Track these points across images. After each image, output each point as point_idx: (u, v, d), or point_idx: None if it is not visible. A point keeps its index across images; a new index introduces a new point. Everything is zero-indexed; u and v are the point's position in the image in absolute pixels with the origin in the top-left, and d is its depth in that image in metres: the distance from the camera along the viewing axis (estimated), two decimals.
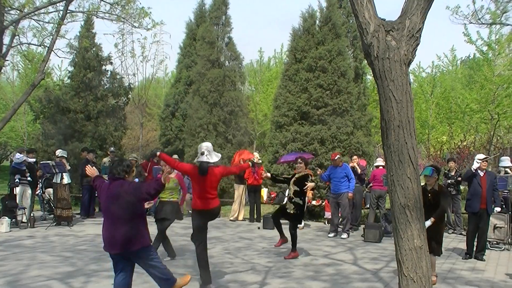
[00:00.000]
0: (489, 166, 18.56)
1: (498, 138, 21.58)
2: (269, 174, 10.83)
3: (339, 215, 13.81)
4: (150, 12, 17.35)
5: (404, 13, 4.96)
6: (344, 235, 13.61)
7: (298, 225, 12.58)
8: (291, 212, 10.71)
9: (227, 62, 21.55)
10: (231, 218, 16.21)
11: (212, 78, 20.29)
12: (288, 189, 11.32)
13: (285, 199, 12.86)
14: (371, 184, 14.94)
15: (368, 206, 15.50)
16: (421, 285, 4.94)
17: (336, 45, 17.53)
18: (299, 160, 11.02)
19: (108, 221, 6.18)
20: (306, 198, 11.21)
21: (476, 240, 11.19)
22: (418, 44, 4.98)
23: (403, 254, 4.94)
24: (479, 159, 11.30)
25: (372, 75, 5.31)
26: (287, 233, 10.79)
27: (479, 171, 11.18)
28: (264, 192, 17.27)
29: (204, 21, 22.94)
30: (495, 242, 12.43)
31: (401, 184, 4.88)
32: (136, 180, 16.21)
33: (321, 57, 17.24)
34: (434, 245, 8.54)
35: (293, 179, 10.85)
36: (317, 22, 18.19)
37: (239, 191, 16.25)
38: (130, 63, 31.12)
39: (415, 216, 4.89)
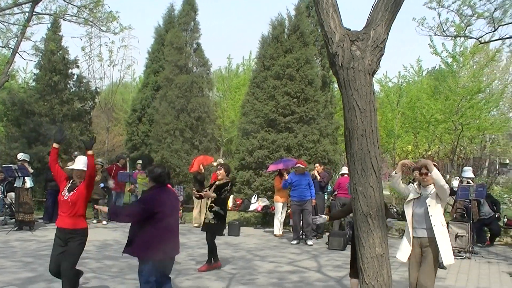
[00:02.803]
0: (452, 175, 18.85)
1: (461, 148, 21.89)
2: (214, 194, 10.20)
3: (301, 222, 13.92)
4: (118, 16, 17.28)
5: (369, 23, 5.02)
6: (310, 242, 13.68)
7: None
8: (210, 222, 10.18)
9: (195, 68, 21.49)
10: (195, 225, 16.11)
11: (179, 83, 20.22)
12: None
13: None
14: (336, 192, 15.05)
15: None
16: None
17: (304, 53, 17.64)
18: (219, 166, 10.61)
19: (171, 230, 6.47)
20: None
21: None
22: (382, 55, 5.04)
23: (364, 262, 4.98)
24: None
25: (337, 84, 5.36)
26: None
27: None
28: (229, 198, 17.22)
29: (173, 27, 22.89)
30: (456, 251, 12.59)
31: (364, 193, 4.93)
32: (102, 185, 16.09)
33: (289, 65, 17.34)
34: None
35: (213, 187, 10.38)
36: (286, 30, 18.30)
37: None
38: (97, 67, 30.83)
39: (377, 225, 4.94)
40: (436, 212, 6.85)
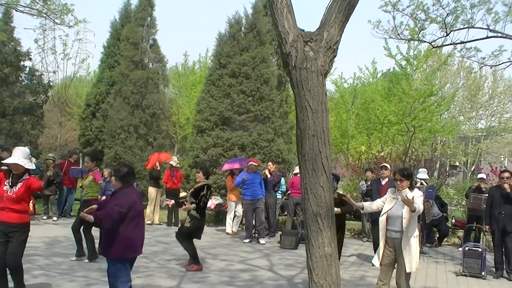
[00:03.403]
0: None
1: (413, 150, 22.18)
2: (193, 206, 10.04)
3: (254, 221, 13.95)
4: (73, 9, 16.91)
5: (323, 25, 5.05)
6: (263, 240, 13.70)
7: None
8: (187, 225, 10.15)
9: (151, 64, 21.33)
10: (147, 222, 15.93)
11: (135, 79, 20.03)
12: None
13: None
14: (289, 191, 15.10)
15: (286, 213, 15.66)
16: None
17: (260, 52, 17.69)
18: (198, 169, 10.60)
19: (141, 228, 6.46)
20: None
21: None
22: (335, 56, 5.09)
23: (314, 261, 5.02)
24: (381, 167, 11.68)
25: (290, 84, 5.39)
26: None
27: (381, 179, 11.51)
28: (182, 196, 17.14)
29: (129, 21, 22.62)
30: None
31: (314, 193, 4.96)
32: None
33: (245, 64, 17.35)
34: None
35: (191, 190, 10.43)
36: (243, 28, 18.30)
37: (153, 194, 16.02)
38: (50, 60, 30.18)
39: (326, 224, 4.98)
40: (408, 216, 7.05)
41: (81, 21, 17.51)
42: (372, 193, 11.30)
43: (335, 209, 8.89)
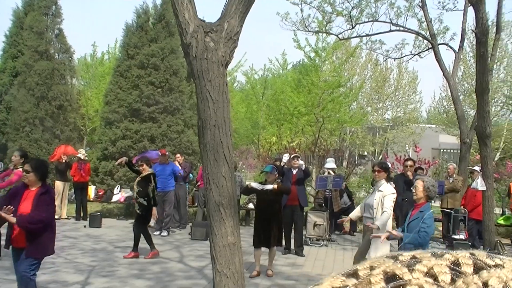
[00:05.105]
0: (313, 166, 19.49)
1: (322, 140, 22.63)
2: (126, 158, 10.97)
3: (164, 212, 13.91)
4: None
5: (223, 16, 5.07)
6: (165, 233, 13.66)
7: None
8: (137, 212, 10.82)
9: (56, 54, 20.70)
10: (55, 217, 15.55)
11: (40, 70, 19.39)
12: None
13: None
14: (199, 183, 15.10)
15: (196, 204, 15.65)
16: (234, 280, 5.07)
17: (169, 43, 17.54)
18: (140, 162, 11.15)
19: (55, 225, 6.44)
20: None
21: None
22: (235, 47, 5.12)
23: (217, 250, 5.05)
24: (293, 157, 11.89)
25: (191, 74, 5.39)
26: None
27: (292, 169, 11.71)
28: (91, 189, 16.80)
29: (32, 10, 21.76)
30: (315, 239, 13.08)
31: (216, 183, 4.99)
32: None
33: (153, 55, 17.16)
34: (276, 238, 9.39)
35: (137, 180, 10.98)
36: (151, 19, 18.08)
37: (60, 188, 15.61)
38: None
39: (229, 214, 5.02)
40: (377, 207, 7.73)
41: None
42: (284, 181, 11.49)
43: (270, 186, 9.27)
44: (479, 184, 11.63)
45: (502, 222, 15.30)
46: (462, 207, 12.93)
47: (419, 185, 6.31)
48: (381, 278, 0.61)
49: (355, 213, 8.83)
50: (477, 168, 12.82)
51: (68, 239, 12.45)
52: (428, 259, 0.62)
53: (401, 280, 0.60)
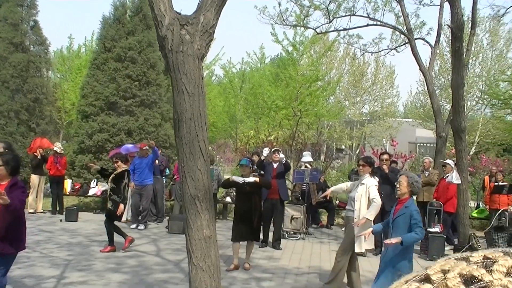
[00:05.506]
0: (291, 160, 19.54)
1: (300, 134, 22.72)
2: (98, 167, 11.20)
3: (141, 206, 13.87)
4: None
5: (199, 8, 5.05)
6: (142, 226, 13.63)
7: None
8: (109, 208, 10.79)
9: (32, 46, 20.47)
10: (30, 211, 15.35)
11: (15, 62, 19.14)
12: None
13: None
14: (176, 176, 15.06)
15: (173, 198, 15.62)
16: (210, 273, 5.07)
17: (146, 36, 17.45)
18: (114, 159, 11.06)
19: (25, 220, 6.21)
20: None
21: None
22: (211, 40, 5.11)
23: (192, 243, 5.04)
24: (273, 151, 11.92)
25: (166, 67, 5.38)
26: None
27: (273, 163, 11.74)
28: (67, 183, 16.66)
29: (7, 1, 21.49)
30: (292, 232, 13.13)
31: (192, 176, 4.98)
32: None
33: (130, 48, 17.07)
34: (253, 233, 9.52)
35: (111, 176, 10.89)
36: (128, 11, 17.97)
37: (35, 182, 15.47)
38: None
39: (204, 207, 5.01)
40: (362, 200, 7.78)
41: None
42: (265, 176, 11.52)
43: (252, 179, 9.36)
44: (454, 177, 11.76)
45: (476, 215, 15.52)
46: (434, 200, 13.06)
47: (403, 180, 6.36)
48: (459, 281, 0.60)
49: (337, 188, 9.24)
50: (449, 161, 12.94)
51: (44, 233, 12.35)
52: (503, 259, 0.61)
53: (481, 282, 0.59)
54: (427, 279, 0.63)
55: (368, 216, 7.53)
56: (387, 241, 6.38)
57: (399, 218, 6.26)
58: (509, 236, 11.58)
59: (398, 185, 6.42)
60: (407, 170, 17.98)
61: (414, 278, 0.64)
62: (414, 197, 6.55)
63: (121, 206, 10.62)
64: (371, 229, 6.86)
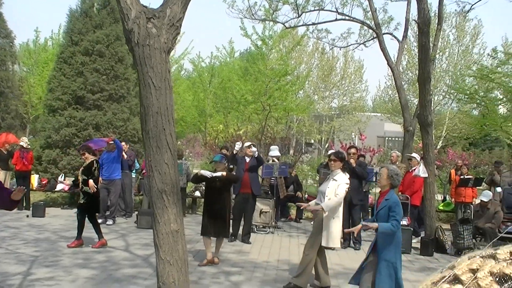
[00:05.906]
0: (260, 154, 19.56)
1: (269, 128, 22.81)
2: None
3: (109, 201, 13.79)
4: None
5: (166, 2, 5.03)
6: (110, 222, 13.55)
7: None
8: (81, 201, 10.69)
9: None
10: None
11: None
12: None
13: None
14: (144, 171, 14.99)
15: (142, 192, 15.53)
16: (178, 267, 5.06)
17: (114, 29, 17.28)
18: (81, 151, 11.04)
19: None
20: None
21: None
22: (178, 33, 5.09)
23: (160, 238, 5.02)
24: (246, 146, 11.93)
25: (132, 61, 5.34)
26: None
27: (245, 157, 11.76)
28: (34, 178, 16.44)
29: None
30: (261, 226, 13.17)
31: (159, 170, 4.96)
32: None
33: (98, 41, 16.89)
34: (223, 228, 9.55)
35: (81, 169, 10.88)
36: (96, 4, 17.77)
37: (1, 177, 15.21)
38: None
39: (172, 201, 4.99)
40: (332, 196, 7.76)
41: None
42: (238, 170, 11.53)
43: (219, 173, 9.40)
44: (421, 171, 11.90)
45: (442, 208, 15.74)
46: (400, 193, 13.21)
47: (383, 173, 6.42)
48: (491, 280, 0.59)
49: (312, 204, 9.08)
50: (415, 155, 13.10)
51: (10, 229, 12.17)
52: None
53: None
54: (456, 279, 0.62)
55: (324, 206, 7.57)
56: (364, 223, 6.47)
57: (381, 211, 6.34)
58: (474, 228, 11.76)
59: (378, 178, 6.51)
60: (375, 164, 18.15)
61: (443, 280, 0.64)
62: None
63: (91, 181, 10.51)
64: (360, 226, 6.89)
